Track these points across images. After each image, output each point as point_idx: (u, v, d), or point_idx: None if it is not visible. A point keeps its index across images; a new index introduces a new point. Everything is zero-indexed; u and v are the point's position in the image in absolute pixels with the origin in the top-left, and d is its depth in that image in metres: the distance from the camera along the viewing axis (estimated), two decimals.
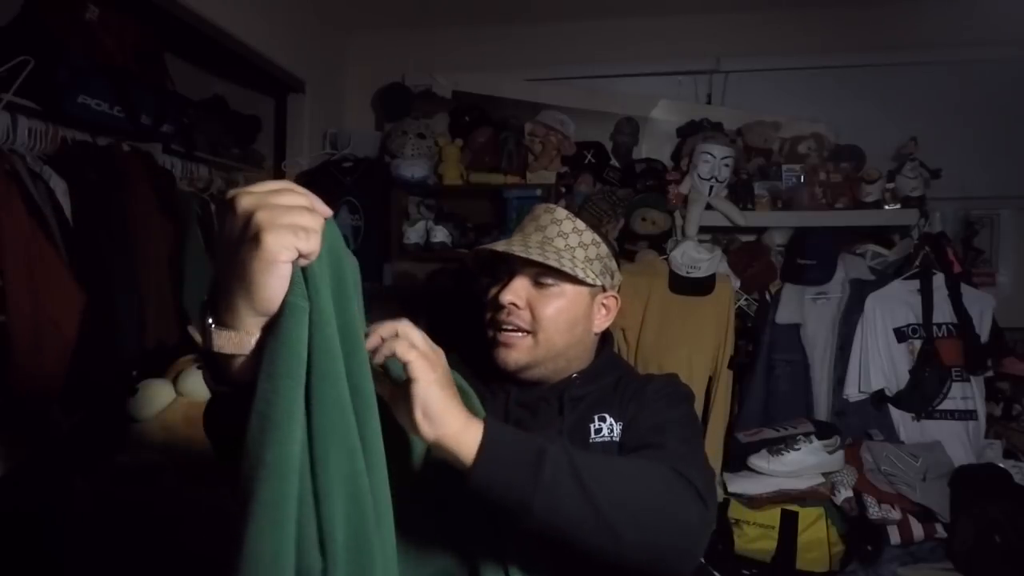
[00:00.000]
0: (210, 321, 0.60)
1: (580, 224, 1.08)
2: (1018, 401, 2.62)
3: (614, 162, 2.99)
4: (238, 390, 0.61)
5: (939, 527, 2.19)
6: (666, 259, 2.66)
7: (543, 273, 1.04)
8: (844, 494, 2.24)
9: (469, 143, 2.91)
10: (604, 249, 1.10)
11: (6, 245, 1.60)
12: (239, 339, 0.59)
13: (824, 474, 2.26)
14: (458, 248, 2.88)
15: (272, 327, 0.58)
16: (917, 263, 2.53)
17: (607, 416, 1.03)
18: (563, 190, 2.87)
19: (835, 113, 2.91)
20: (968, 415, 2.43)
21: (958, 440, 2.40)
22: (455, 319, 2.23)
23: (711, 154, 2.68)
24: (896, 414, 2.48)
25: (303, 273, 0.58)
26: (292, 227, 0.56)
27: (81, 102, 1.83)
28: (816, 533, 2.23)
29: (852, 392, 2.49)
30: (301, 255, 0.58)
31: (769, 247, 2.78)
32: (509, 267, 1.06)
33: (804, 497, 2.25)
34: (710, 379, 2.58)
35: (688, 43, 3.06)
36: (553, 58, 3.13)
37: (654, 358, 2.55)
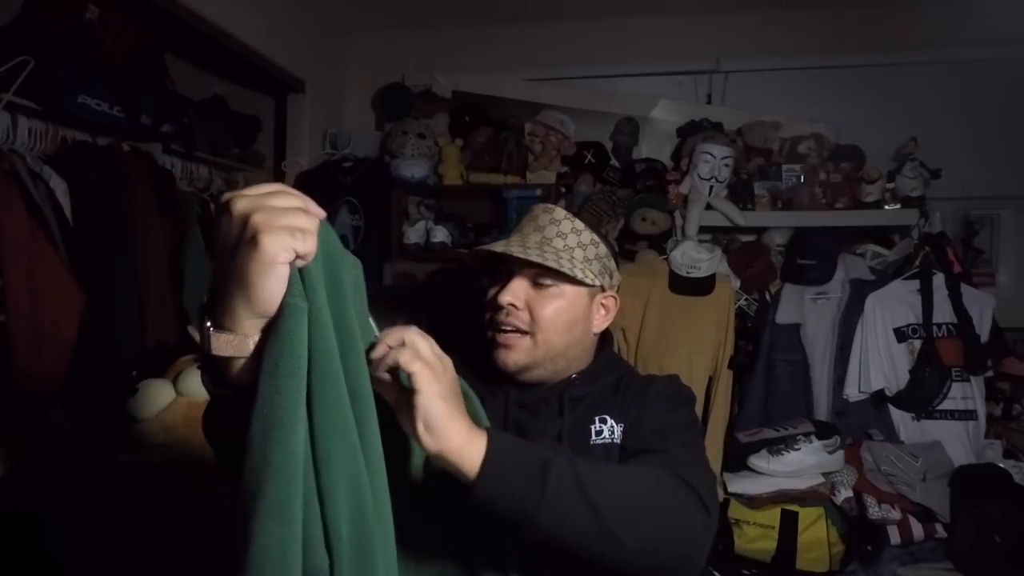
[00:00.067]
0: (208, 325, 0.60)
1: (579, 224, 1.08)
2: (1018, 401, 2.62)
3: (614, 162, 2.99)
4: (237, 393, 0.61)
5: (939, 527, 2.19)
6: (666, 259, 2.66)
7: (542, 274, 1.04)
8: (844, 494, 2.24)
9: (469, 143, 2.91)
10: (603, 249, 1.10)
11: (6, 245, 1.60)
12: (238, 342, 0.59)
13: (824, 474, 2.27)
14: (458, 248, 2.88)
15: (272, 328, 0.58)
16: (917, 263, 2.53)
17: (608, 418, 1.02)
18: (563, 190, 2.87)
19: (835, 113, 2.91)
20: (968, 415, 2.43)
21: (958, 440, 2.40)
22: (455, 319, 2.23)
23: (711, 154, 2.68)
24: (896, 414, 2.48)
25: (299, 274, 0.59)
26: (289, 229, 0.56)
27: (81, 102, 1.83)
28: (816, 533, 2.23)
29: (852, 392, 2.49)
30: (298, 256, 0.57)
31: (769, 247, 2.78)
32: (508, 268, 1.06)
33: (804, 497, 2.25)
34: (710, 379, 2.58)
35: (688, 43, 3.06)
36: (553, 58, 3.13)
37: (654, 358, 2.55)
